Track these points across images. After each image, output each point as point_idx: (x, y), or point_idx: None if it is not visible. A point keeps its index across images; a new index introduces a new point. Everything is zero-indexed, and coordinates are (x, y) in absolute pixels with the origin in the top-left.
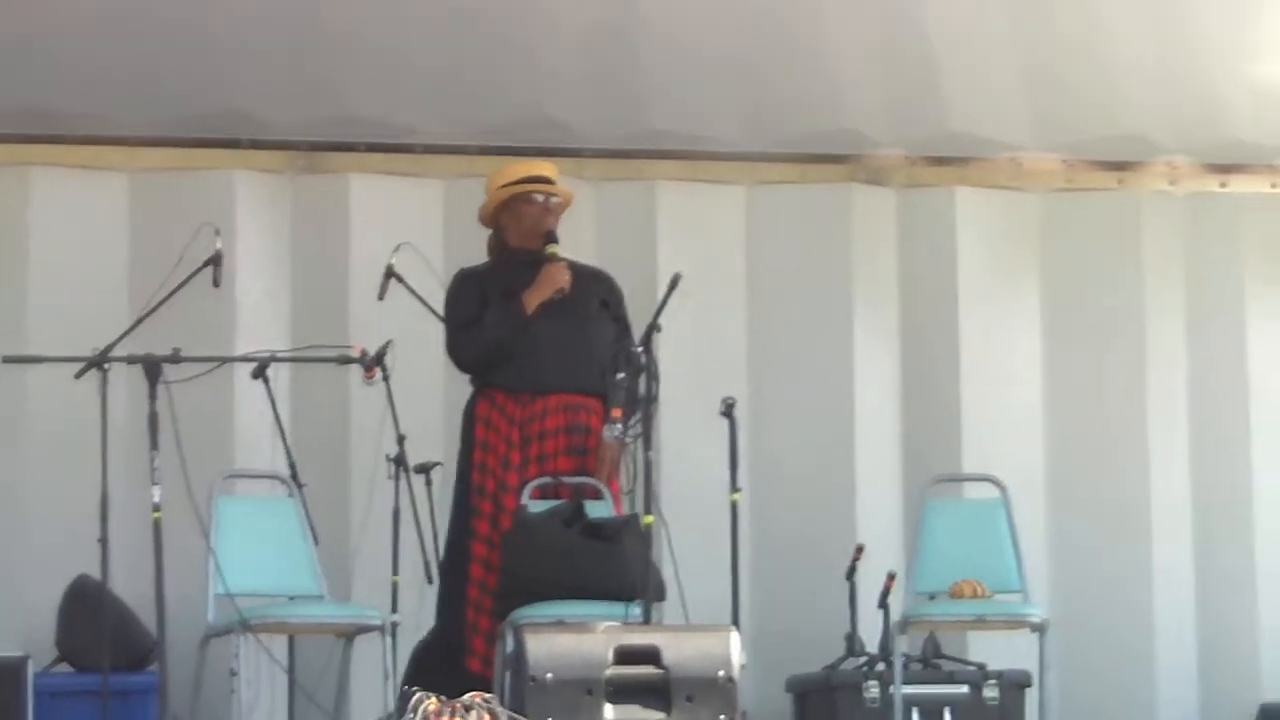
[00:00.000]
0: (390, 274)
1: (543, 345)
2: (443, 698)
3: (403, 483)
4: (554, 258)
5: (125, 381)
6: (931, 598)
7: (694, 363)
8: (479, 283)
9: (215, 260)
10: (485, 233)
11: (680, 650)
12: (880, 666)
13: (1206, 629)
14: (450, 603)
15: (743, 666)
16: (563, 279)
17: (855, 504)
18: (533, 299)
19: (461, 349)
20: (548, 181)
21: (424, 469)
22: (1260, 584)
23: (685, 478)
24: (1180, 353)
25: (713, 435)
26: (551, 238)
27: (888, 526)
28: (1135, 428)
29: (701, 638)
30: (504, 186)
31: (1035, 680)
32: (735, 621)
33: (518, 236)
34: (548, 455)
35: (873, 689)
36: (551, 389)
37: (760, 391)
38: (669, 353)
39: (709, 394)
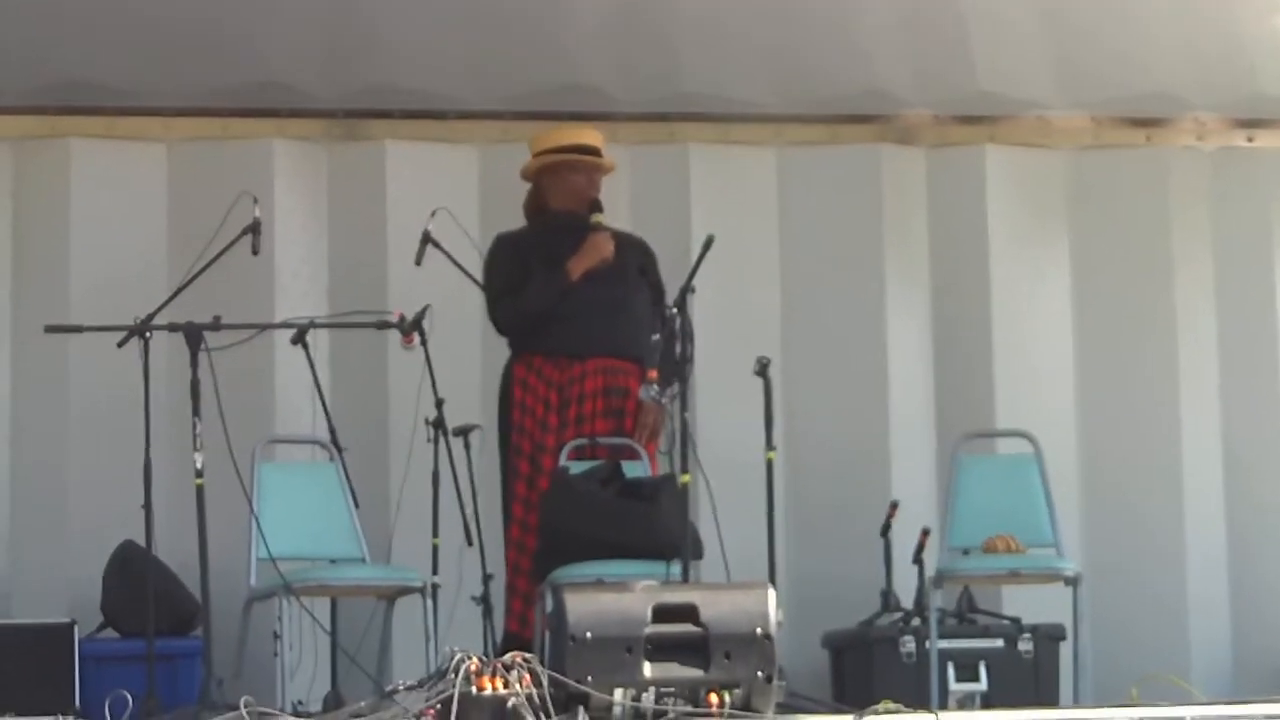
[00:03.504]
0: (427, 239)
1: (583, 310)
2: (484, 657)
3: (441, 446)
4: (599, 227)
5: (167, 349)
6: (965, 553)
7: (728, 323)
8: (518, 249)
9: (254, 228)
10: (520, 198)
11: (718, 608)
12: (915, 621)
13: (1239, 581)
14: None
15: (779, 623)
16: (607, 249)
17: (889, 461)
18: (577, 267)
19: (504, 316)
20: (593, 152)
21: (462, 432)
22: None
23: (720, 437)
24: (1209, 307)
25: (747, 395)
26: (597, 207)
27: (922, 482)
28: (1166, 383)
29: (739, 595)
30: (548, 152)
31: (1069, 633)
32: (772, 578)
33: (559, 200)
34: (585, 417)
35: (908, 644)
36: (590, 353)
37: (793, 350)
38: (703, 314)
39: (743, 354)
